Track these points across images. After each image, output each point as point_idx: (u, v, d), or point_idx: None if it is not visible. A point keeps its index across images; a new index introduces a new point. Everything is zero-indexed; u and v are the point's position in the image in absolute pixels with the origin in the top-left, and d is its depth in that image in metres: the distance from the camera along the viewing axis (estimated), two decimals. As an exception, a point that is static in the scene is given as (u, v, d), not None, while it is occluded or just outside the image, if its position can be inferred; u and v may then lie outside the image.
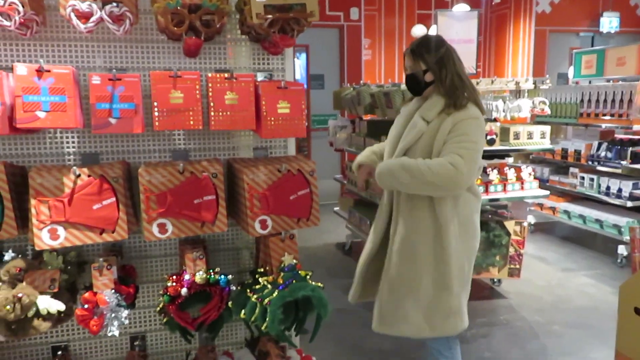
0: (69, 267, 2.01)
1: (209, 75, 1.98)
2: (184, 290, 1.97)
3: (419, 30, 5.47)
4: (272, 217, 2.04)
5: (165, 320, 2.13)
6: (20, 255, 1.94)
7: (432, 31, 6.25)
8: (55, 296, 1.87)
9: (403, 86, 4.33)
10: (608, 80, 5.48)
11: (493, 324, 3.90)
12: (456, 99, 2.19)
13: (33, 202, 1.80)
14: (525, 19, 7.99)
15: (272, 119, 1.99)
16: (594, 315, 3.99)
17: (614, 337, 2.43)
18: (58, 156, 2.13)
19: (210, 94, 1.96)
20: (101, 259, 1.93)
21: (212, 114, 1.97)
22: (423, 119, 2.23)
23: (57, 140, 2.13)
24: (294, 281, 2.04)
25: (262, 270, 2.17)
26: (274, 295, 1.99)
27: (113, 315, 1.89)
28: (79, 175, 1.87)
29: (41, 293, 1.84)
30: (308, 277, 2.09)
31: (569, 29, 8.09)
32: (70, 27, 2.06)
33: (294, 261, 2.08)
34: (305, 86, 1.99)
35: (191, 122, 1.92)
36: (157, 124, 1.93)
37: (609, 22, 7.84)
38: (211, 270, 2.04)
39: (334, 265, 5.35)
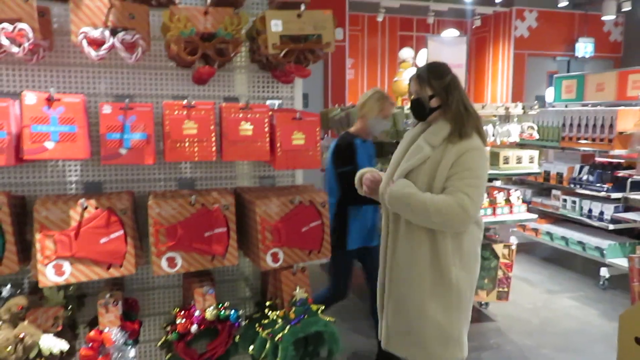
0: (69, 303, 1.92)
1: (223, 104, 1.93)
2: (194, 327, 1.90)
3: (406, 53, 5.57)
4: (284, 249, 2.00)
5: (168, 356, 2.04)
6: (19, 291, 1.84)
7: (422, 55, 6.36)
8: (58, 335, 1.77)
9: (394, 109, 4.36)
10: (584, 105, 5.65)
11: (484, 348, 3.91)
12: (462, 127, 2.20)
13: (38, 236, 1.71)
14: (505, 43, 8.20)
15: (287, 150, 1.95)
16: (581, 339, 4.04)
17: (602, 362, 2.44)
18: (59, 185, 2.04)
19: (224, 124, 1.91)
20: (107, 295, 1.85)
21: (225, 144, 1.92)
22: (429, 144, 2.23)
23: (59, 169, 2.04)
24: (305, 316, 1.99)
25: (270, 303, 2.11)
26: (286, 331, 1.94)
27: (120, 354, 1.80)
28: (86, 208, 1.79)
29: (44, 332, 1.74)
30: (319, 311, 2.04)
31: (546, 53, 8.34)
32: (77, 53, 1.99)
33: (306, 295, 2.03)
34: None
35: (205, 154, 1.87)
36: (168, 155, 1.87)
37: (584, 47, 8.12)
38: (221, 305, 1.97)
39: (320, 287, 5.27)
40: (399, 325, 2.38)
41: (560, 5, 6.99)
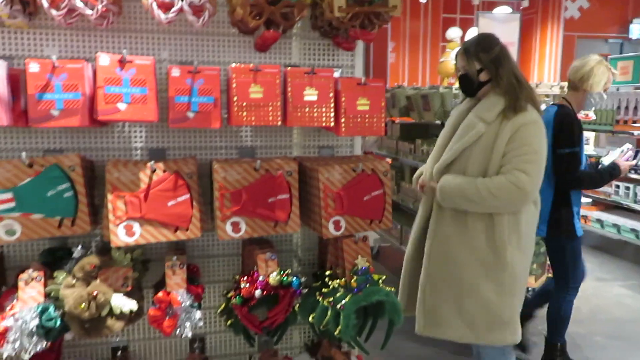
0: (136, 266, 1.95)
1: (287, 69, 1.92)
2: (257, 292, 1.90)
3: (453, 33, 5.42)
4: (346, 217, 1.98)
5: (229, 322, 2.06)
6: (89, 252, 1.88)
7: (473, 33, 6.19)
8: (127, 295, 1.81)
9: (441, 89, 4.27)
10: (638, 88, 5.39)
11: (533, 334, 3.81)
12: (516, 100, 2.12)
13: (110, 197, 1.74)
14: (554, 25, 7.91)
15: (352, 116, 1.92)
16: (635, 327, 3.90)
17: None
18: (125, 151, 2.07)
19: (288, 88, 1.89)
20: (174, 257, 1.87)
21: (290, 109, 1.90)
22: (482, 120, 2.14)
23: (125, 135, 2.07)
24: (367, 285, 1.97)
25: (331, 272, 2.10)
26: (348, 299, 1.92)
27: (186, 315, 1.82)
28: (154, 171, 1.81)
29: (115, 291, 1.78)
30: (381, 280, 2.02)
31: (598, 35, 8.00)
32: (144, 18, 2.01)
33: (367, 264, 2.01)
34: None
35: (270, 118, 1.86)
36: (234, 119, 1.86)
37: (639, 29, 7.75)
38: (283, 272, 1.97)
39: (363, 269, 5.28)
40: (443, 307, 2.28)
41: (614, -16, 6.70)
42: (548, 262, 4.19)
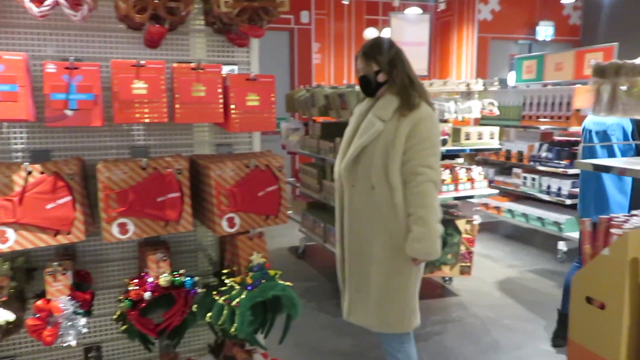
0: (17, 275, 1.84)
1: (174, 65, 1.88)
2: (147, 294, 1.85)
3: (371, 33, 5.54)
4: (240, 214, 1.97)
5: (124, 327, 1.99)
6: (-39, 261, 1.76)
7: (386, 34, 6.36)
8: (3, 305, 1.70)
9: (358, 87, 4.35)
10: (545, 85, 5.78)
11: (447, 321, 3.98)
12: (409, 98, 2.28)
13: (-22, 201, 1.64)
14: (469, 26, 8.29)
15: (242, 111, 1.92)
16: (540, 309, 4.16)
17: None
18: (4, 153, 1.95)
19: (175, 85, 1.86)
20: (55, 263, 1.78)
21: (178, 106, 1.87)
22: (379, 118, 2.28)
23: (3, 136, 1.95)
24: (263, 281, 1.97)
25: (228, 270, 2.08)
26: (243, 296, 1.91)
27: (69, 323, 1.74)
28: (30, 172, 1.72)
29: (-13, 301, 1.67)
30: (277, 276, 2.02)
31: (509, 36, 8.48)
32: (21, 13, 1.90)
33: (263, 260, 2.01)
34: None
35: (155, 115, 1.81)
36: (117, 116, 1.80)
37: (545, 31, 8.28)
38: (176, 273, 1.93)
39: (288, 269, 5.27)
40: (359, 296, 2.42)
41: (522, -11, 7.12)
42: (462, 252, 4.40)
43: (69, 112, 1.74)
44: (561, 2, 7.91)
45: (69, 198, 1.77)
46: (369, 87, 2.35)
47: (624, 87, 2.27)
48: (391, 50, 2.32)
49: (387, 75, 2.30)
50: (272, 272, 2.00)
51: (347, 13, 8.31)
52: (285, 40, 7.72)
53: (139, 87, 1.78)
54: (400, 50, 2.37)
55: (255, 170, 1.98)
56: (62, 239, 1.76)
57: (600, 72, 2.38)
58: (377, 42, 2.38)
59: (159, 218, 1.87)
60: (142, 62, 1.79)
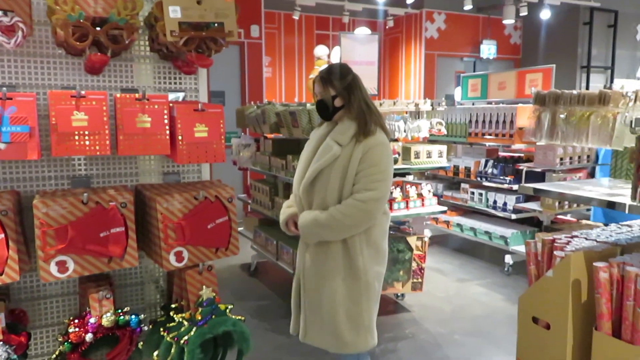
0: (-59, 318, 1.70)
1: (118, 95, 1.80)
2: (89, 336, 1.75)
3: (321, 51, 5.58)
4: (188, 248, 1.90)
5: (63, 369, 1.88)
6: None
7: (336, 52, 6.44)
8: None
9: (309, 105, 4.36)
10: (489, 102, 6.00)
11: (400, 338, 4.01)
12: (365, 125, 2.32)
13: None
14: (416, 43, 8.51)
15: (189, 143, 1.86)
16: (489, 323, 4.27)
17: (509, 343, 2.61)
18: None
19: (119, 116, 1.78)
20: (-14, 307, 1.66)
21: (121, 137, 1.79)
22: (337, 143, 2.30)
23: None
24: (213, 316, 1.91)
25: (176, 305, 2.01)
26: (192, 333, 1.85)
27: (2, 371, 1.62)
28: (-43, 210, 1.60)
29: None
30: (228, 310, 1.97)
31: (455, 54, 8.76)
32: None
33: (213, 294, 1.95)
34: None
35: (97, 147, 1.73)
36: (55, 149, 1.71)
37: (488, 49, 8.62)
38: (119, 311, 1.84)
39: (240, 287, 5.20)
40: (314, 317, 2.42)
41: (466, 8, 7.36)
42: (413, 268, 4.46)
43: (1, 145, 1.63)
44: (503, 22, 8.26)
45: (1, 236, 1.65)
46: (326, 111, 2.38)
47: (562, 116, 2.38)
48: (348, 77, 2.36)
49: (343, 100, 2.34)
50: (222, 307, 1.95)
51: (298, 28, 8.35)
52: (236, 54, 7.65)
53: (79, 118, 1.70)
54: (357, 77, 2.42)
55: (205, 202, 1.92)
56: (-7, 281, 1.64)
57: (540, 99, 2.48)
58: (334, 67, 2.42)
59: (101, 254, 1.78)
60: (83, 92, 1.71)
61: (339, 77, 2.34)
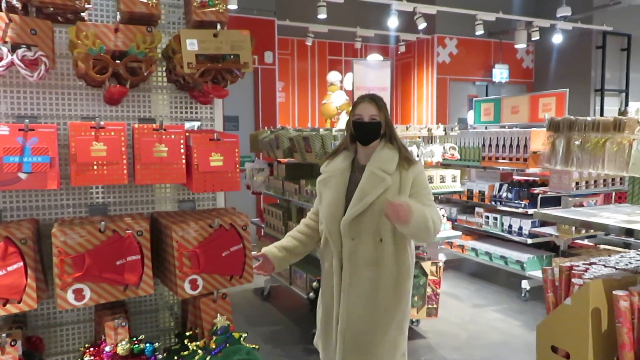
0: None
1: (136, 125, 1.84)
2: (104, 364, 1.76)
3: (334, 77, 5.66)
4: (203, 276, 1.91)
5: (78, 398, 1.88)
6: None
7: (348, 79, 6.52)
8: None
9: (322, 131, 4.39)
10: (503, 126, 5.99)
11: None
12: (407, 154, 2.38)
13: None
14: (428, 68, 8.57)
15: (205, 172, 1.89)
16: (506, 350, 4.18)
17: (526, 371, 2.54)
18: (-51, 214, 1.86)
19: (136, 145, 1.82)
20: (4, 335, 1.68)
21: (139, 167, 1.82)
22: (386, 172, 2.29)
23: (-51, 196, 1.85)
24: (227, 345, 1.90)
25: (190, 333, 2.01)
26: (206, 361, 1.84)
27: (18, 400, 1.63)
28: (-22, 239, 1.63)
29: None
30: (242, 339, 1.96)
31: (467, 78, 8.80)
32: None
33: (227, 323, 1.95)
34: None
35: (115, 177, 1.76)
36: (74, 179, 1.74)
37: (500, 73, 8.65)
38: (135, 339, 1.85)
39: (253, 312, 5.17)
40: (359, 349, 2.33)
41: (478, 33, 7.42)
42: (428, 294, 4.40)
43: (22, 175, 1.67)
44: (515, 46, 8.30)
45: (20, 264, 1.68)
46: (374, 134, 2.34)
47: (577, 142, 2.37)
48: (386, 108, 2.43)
49: (388, 128, 2.38)
50: (236, 335, 1.94)
51: (311, 54, 8.47)
52: (250, 80, 7.77)
53: (98, 148, 1.73)
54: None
55: (219, 230, 1.94)
56: (11, 309, 1.67)
57: (554, 126, 2.48)
58: (380, 96, 2.48)
59: (117, 282, 1.80)
60: (102, 123, 1.75)
61: (384, 107, 2.39)
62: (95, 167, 1.74)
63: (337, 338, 2.36)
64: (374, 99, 2.38)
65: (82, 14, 1.87)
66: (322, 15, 6.53)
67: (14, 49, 1.69)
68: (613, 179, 4.99)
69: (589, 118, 2.34)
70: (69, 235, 1.72)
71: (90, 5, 1.84)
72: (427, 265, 4.34)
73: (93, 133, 1.74)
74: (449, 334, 4.54)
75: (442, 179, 4.41)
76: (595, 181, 5.03)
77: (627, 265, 2.60)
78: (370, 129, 2.34)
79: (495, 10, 7.40)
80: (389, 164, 2.30)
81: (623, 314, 2.09)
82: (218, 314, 1.93)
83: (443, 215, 4.50)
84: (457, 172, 4.48)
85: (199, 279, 1.89)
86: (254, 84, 7.85)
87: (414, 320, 4.62)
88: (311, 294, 4.26)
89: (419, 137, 4.60)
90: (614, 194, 5.19)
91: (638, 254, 2.82)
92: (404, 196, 2.28)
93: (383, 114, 2.35)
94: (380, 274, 2.31)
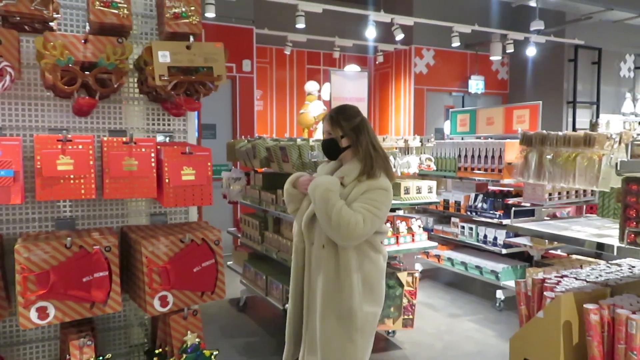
0: None
1: (105, 138, 1.80)
2: (68, 385, 1.70)
3: (312, 86, 5.68)
4: (173, 292, 1.87)
5: (41, 419, 1.81)
6: None
7: (326, 89, 6.55)
8: None
9: (299, 141, 4.38)
10: (478, 137, 6.06)
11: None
12: (370, 168, 2.32)
13: None
14: (406, 78, 8.65)
15: (176, 186, 1.85)
16: (480, 360, 4.20)
17: (501, 383, 2.56)
18: None
19: (105, 159, 1.77)
20: (-39, 356, 1.61)
21: (108, 181, 1.78)
22: (342, 182, 2.32)
23: None
24: (198, 362, 1.86)
25: (160, 351, 1.96)
26: (176, 380, 1.80)
27: None
28: None
29: None
30: (213, 356, 1.92)
31: (443, 88, 8.91)
32: None
33: (198, 340, 1.90)
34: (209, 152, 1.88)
35: (82, 192, 1.71)
36: (39, 193, 1.69)
37: (476, 84, 8.78)
38: (101, 358, 1.79)
39: (229, 323, 5.09)
40: (311, 353, 2.40)
41: (454, 45, 7.52)
42: (404, 304, 4.41)
43: (-16, 190, 1.61)
44: (490, 58, 8.44)
45: (-20, 282, 1.61)
46: (332, 151, 2.39)
47: (549, 156, 2.41)
48: (356, 119, 2.38)
49: (350, 141, 2.35)
50: (207, 353, 1.90)
51: (289, 62, 8.47)
52: (227, 88, 7.72)
53: (65, 162, 1.68)
54: (365, 119, 2.44)
55: (191, 245, 1.90)
56: (-30, 329, 1.60)
57: (527, 140, 2.52)
58: (344, 108, 2.44)
59: (84, 300, 1.74)
60: (69, 136, 1.71)
61: (348, 118, 2.36)
62: (61, 181, 1.69)
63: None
64: (330, 115, 2.40)
65: (51, 23, 1.83)
66: (301, 25, 6.54)
67: (-23, 58, 1.63)
68: (585, 191, 5.09)
69: (560, 133, 2.38)
70: (32, 251, 1.67)
71: (59, 15, 1.80)
72: (403, 276, 4.34)
73: (60, 146, 1.69)
74: (425, 344, 4.55)
75: (419, 190, 4.43)
76: (567, 192, 5.12)
77: (597, 278, 2.64)
78: (326, 146, 2.40)
79: (471, 22, 7.52)
80: (347, 176, 2.32)
81: (593, 327, 2.11)
82: (188, 331, 1.89)
83: (419, 226, 4.52)
84: (434, 183, 4.50)
85: (169, 295, 1.85)
86: (232, 92, 7.81)
87: (389, 331, 4.61)
88: (287, 305, 4.22)
89: (396, 148, 4.62)
90: (584, 205, 5.29)
91: (608, 266, 2.87)
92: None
93: (340, 129, 2.33)
94: (323, 277, 2.32)
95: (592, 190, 5.25)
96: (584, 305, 2.15)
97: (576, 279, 2.64)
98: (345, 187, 2.30)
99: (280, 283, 4.49)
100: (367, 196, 2.26)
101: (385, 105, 9.09)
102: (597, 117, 8.43)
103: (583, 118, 8.55)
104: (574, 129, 8.24)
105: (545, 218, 4.41)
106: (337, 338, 2.32)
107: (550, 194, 4.93)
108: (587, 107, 8.76)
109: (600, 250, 2.22)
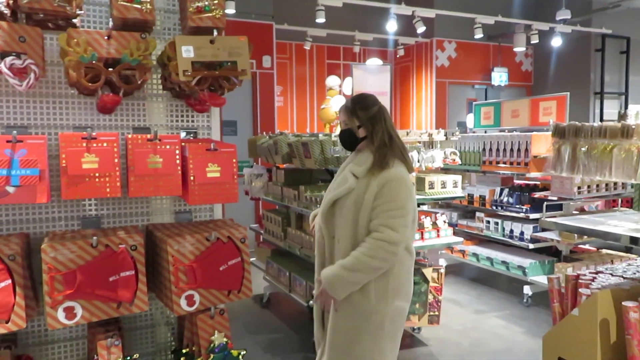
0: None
1: (129, 136, 1.78)
2: (96, 386, 1.69)
3: (332, 81, 5.62)
4: (200, 291, 1.84)
5: (70, 418, 1.81)
6: None
7: (347, 83, 6.48)
8: None
9: (321, 136, 4.33)
10: (503, 130, 5.93)
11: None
12: (382, 158, 2.24)
13: None
14: (427, 71, 8.52)
15: (201, 183, 1.82)
16: (509, 358, 4.10)
17: (529, 379, 2.47)
18: None
19: (130, 157, 1.75)
20: (-9, 356, 1.61)
21: (132, 179, 1.76)
22: (353, 175, 2.25)
23: (-64, 211, 1.78)
24: (225, 362, 1.84)
25: (187, 350, 1.94)
26: (204, 380, 1.77)
27: None
28: (-36, 256, 1.56)
29: None
30: (241, 356, 1.89)
31: (466, 81, 8.75)
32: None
33: (225, 340, 1.88)
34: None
35: (107, 190, 1.70)
36: (65, 192, 1.68)
37: (499, 76, 8.60)
38: (129, 358, 1.78)
39: (252, 320, 5.09)
40: (335, 354, 2.30)
41: (476, 37, 7.37)
42: (430, 301, 4.34)
43: (10, 189, 1.60)
44: (514, 49, 8.25)
45: (8, 282, 1.61)
46: (349, 141, 2.34)
47: (583, 149, 2.31)
48: (373, 108, 2.30)
49: (366, 131, 2.28)
50: (235, 353, 1.87)
51: (309, 58, 8.41)
52: (248, 84, 7.71)
53: (90, 160, 1.67)
54: (383, 108, 2.36)
55: (217, 243, 1.87)
56: (-1, 329, 1.60)
57: (560, 132, 2.42)
58: (360, 97, 2.38)
59: (110, 299, 1.73)
60: (94, 133, 1.69)
61: (365, 107, 2.29)
62: (86, 179, 1.67)
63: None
64: (346, 105, 2.33)
65: (74, 20, 1.81)
66: (321, 20, 6.47)
67: (2, 57, 1.62)
68: (615, 184, 4.93)
69: (595, 124, 2.28)
70: (59, 250, 1.65)
71: (82, 12, 1.78)
72: (428, 272, 4.27)
73: (84, 144, 1.67)
74: (451, 341, 4.47)
75: (444, 185, 4.34)
76: (597, 185, 4.97)
77: (634, 274, 2.54)
78: (342, 137, 2.34)
79: (494, 13, 7.35)
80: (359, 167, 2.25)
81: (633, 325, 2.03)
82: (216, 331, 1.86)
83: (444, 222, 4.43)
84: (459, 178, 4.41)
85: (196, 294, 1.83)
86: (252, 89, 7.79)
87: (415, 327, 4.55)
88: (311, 302, 4.19)
89: (420, 142, 4.54)
90: (620, 200, 5.13)
91: (645, 262, 2.76)
92: (366, 202, 2.18)
93: (357, 118, 2.26)
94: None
95: (622, 183, 5.08)
96: (623, 303, 2.07)
97: (612, 275, 2.54)
98: (359, 181, 2.22)
99: (303, 279, 4.46)
100: (385, 198, 2.17)
101: (406, 100, 8.98)
102: (626, 108, 8.19)
103: (611, 109, 8.31)
104: (601, 120, 8.02)
105: (574, 212, 4.29)
106: (342, 337, 2.23)
107: (579, 187, 4.79)
108: (615, 98, 8.51)
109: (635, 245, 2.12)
